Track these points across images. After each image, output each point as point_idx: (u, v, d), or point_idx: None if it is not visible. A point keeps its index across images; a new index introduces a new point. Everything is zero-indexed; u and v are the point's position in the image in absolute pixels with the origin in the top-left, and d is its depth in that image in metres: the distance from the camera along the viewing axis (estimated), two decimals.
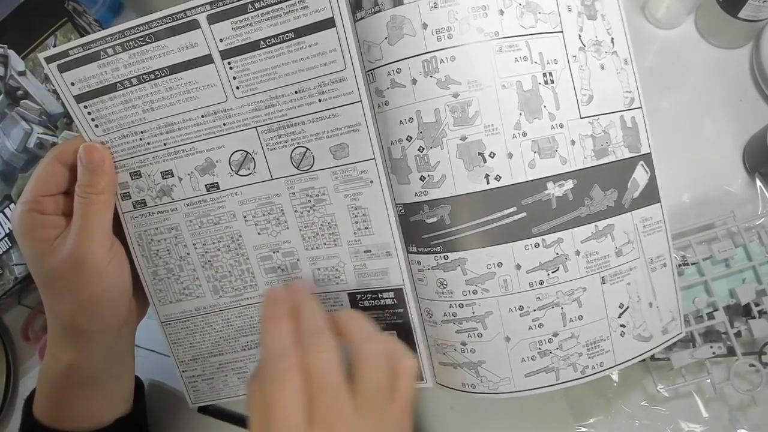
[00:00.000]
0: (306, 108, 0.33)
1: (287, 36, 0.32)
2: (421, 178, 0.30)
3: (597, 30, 0.32)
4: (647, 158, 0.34)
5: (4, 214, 0.51)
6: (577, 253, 0.31)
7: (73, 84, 0.35)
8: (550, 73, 0.30)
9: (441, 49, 0.30)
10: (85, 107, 0.35)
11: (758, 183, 0.46)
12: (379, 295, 0.35)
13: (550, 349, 0.31)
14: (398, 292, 0.34)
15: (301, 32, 0.31)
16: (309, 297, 0.31)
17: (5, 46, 0.49)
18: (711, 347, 0.40)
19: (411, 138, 0.30)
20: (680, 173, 0.40)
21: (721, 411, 0.42)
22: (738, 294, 0.41)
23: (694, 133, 0.47)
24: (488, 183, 0.30)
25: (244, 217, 0.36)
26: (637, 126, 0.33)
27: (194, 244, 0.37)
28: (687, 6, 0.48)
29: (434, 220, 0.30)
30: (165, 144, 0.35)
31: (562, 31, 0.31)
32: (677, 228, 0.40)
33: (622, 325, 0.32)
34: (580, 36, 0.32)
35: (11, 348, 0.55)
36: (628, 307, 0.33)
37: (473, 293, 0.30)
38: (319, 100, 0.33)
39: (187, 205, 0.37)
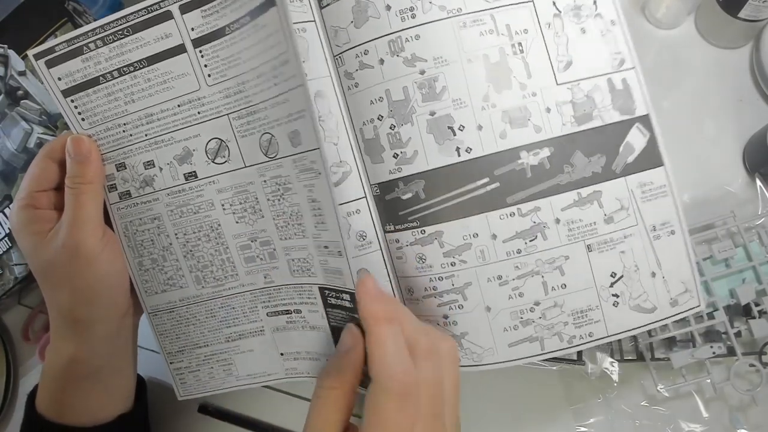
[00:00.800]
0: (266, 93, 0.36)
1: (245, 20, 0.35)
2: (394, 156, 0.32)
3: None
4: (644, 120, 0.36)
5: (4, 214, 0.55)
6: (557, 221, 0.32)
7: (59, 79, 0.39)
8: (520, 44, 0.32)
9: (405, 29, 0.35)
10: (72, 101, 0.39)
11: (758, 183, 0.49)
12: (341, 296, 0.37)
13: (532, 318, 0.32)
14: (354, 297, 0.36)
15: (254, 14, 0.35)
16: (396, 300, 0.35)
17: (5, 46, 0.53)
18: (711, 347, 0.43)
19: (382, 117, 0.32)
20: (680, 173, 0.41)
21: (721, 411, 0.45)
22: (738, 294, 0.44)
23: (694, 133, 0.51)
24: (459, 155, 0.32)
25: (222, 205, 0.40)
26: (629, 87, 0.36)
27: (176, 234, 0.41)
28: (687, 6, 0.52)
29: (409, 195, 0.33)
30: (146, 135, 0.39)
31: (531, 0, 0.35)
32: None
33: (615, 295, 0.32)
34: (554, 2, 0.35)
35: (11, 348, 0.58)
36: (622, 276, 0.32)
37: (451, 265, 0.32)
38: (275, 84, 0.35)
39: (168, 194, 0.40)
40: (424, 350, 0.31)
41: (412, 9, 0.34)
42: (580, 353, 0.45)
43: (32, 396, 0.42)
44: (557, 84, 0.35)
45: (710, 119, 0.51)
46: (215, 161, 0.38)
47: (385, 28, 0.34)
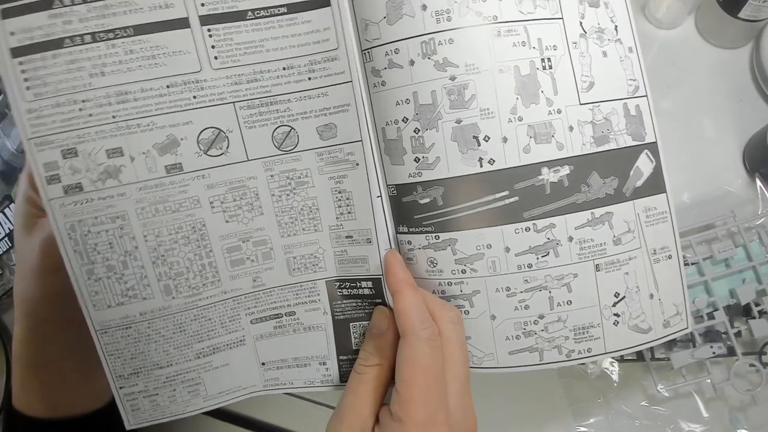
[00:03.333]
0: (294, 86, 0.34)
1: (279, 10, 0.33)
2: (415, 160, 0.32)
3: (599, 17, 0.36)
4: (652, 147, 0.38)
5: (4, 214, 0.53)
6: (570, 239, 0.32)
7: (12, 34, 0.32)
8: (549, 59, 0.32)
9: (440, 31, 0.34)
10: (20, 63, 0.32)
11: (758, 183, 0.49)
12: (358, 284, 0.37)
13: (535, 330, 0.33)
14: (376, 283, 0.37)
15: (294, 8, 0.33)
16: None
17: None
18: (711, 347, 0.43)
19: (407, 119, 0.31)
20: (680, 173, 0.42)
21: (721, 411, 0.45)
22: (738, 294, 0.44)
23: (694, 133, 0.51)
24: (481, 166, 0.32)
25: (211, 203, 0.35)
26: (642, 114, 0.37)
27: (145, 236, 0.35)
28: (687, 6, 0.52)
29: (427, 201, 0.32)
30: (114, 117, 0.33)
31: (562, 18, 0.35)
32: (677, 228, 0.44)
33: (617, 314, 0.33)
34: (581, 23, 0.35)
35: (11, 348, 0.55)
36: (624, 297, 0.33)
37: (462, 272, 0.32)
38: (309, 78, 0.34)
39: (140, 189, 0.34)
40: (452, 317, 0.34)
41: (448, 11, 0.33)
42: None
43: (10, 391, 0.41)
44: (580, 103, 0.35)
45: (710, 119, 0.51)
46: (209, 153, 0.34)
47: (419, 29, 0.33)
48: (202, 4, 0.32)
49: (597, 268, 0.35)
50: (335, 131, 0.35)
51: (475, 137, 0.34)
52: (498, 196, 0.34)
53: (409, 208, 0.36)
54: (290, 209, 0.36)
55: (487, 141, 0.34)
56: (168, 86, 0.33)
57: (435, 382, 0.32)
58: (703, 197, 0.49)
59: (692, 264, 0.45)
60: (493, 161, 0.34)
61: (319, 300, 0.38)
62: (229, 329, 0.38)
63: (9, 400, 0.41)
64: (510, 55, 0.34)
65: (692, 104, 0.51)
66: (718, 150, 0.50)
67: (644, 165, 0.37)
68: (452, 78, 0.33)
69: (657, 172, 0.37)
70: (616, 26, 0.36)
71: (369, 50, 0.35)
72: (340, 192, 0.36)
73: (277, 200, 0.36)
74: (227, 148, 0.34)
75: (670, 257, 0.37)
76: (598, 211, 0.35)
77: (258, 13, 0.33)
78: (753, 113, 0.50)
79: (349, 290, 0.37)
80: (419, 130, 0.34)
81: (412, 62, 0.34)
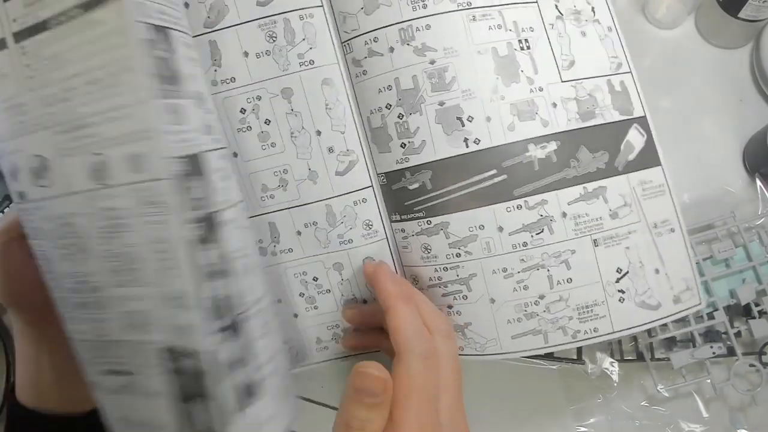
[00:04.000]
0: (99, 104, 0.28)
1: (75, 12, 0.28)
2: (401, 145, 0.32)
3: (575, 0, 0.36)
4: (642, 121, 0.37)
5: (3, 214, 0.53)
6: (564, 215, 0.31)
7: None
8: (526, 40, 0.33)
9: (416, 18, 0.35)
10: None
11: (758, 183, 0.49)
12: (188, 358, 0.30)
13: (536, 312, 0.32)
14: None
15: (87, 6, 0.27)
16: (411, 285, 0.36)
17: None
18: (711, 347, 0.43)
19: (390, 106, 0.31)
20: (680, 173, 0.42)
21: (721, 411, 0.45)
22: (738, 294, 0.44)
23: (694, 133, 0.51)
24: (467, 146, 0.31)
25: (50, 238, 0.31)
26: (627, 90, 0.37)
27: None
28: (687, 6, 0.53)
29: (416, 186, 0.32)
30: None
31: (536, 2, 0.36)
32: None
33: (621, 291, 0.32)
34: (557, 6, 0.36)
35: (11, 348, 0.55)
36: (627, 272, 0.32)
37: (456, 256, 0.32)
38: (116, 94, 0.28)
39: None
40: (444, 331, 0.33)
41: None
42: (580, 352, 0.45)
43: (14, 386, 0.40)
44: (562, 81, 0.35)
45: (710, 119, 0.51)
46: (39, 184, 0.30)
47: (396, 17, 0.34)
48: (14, 20, 0.29)
49: (595, 243, 0.35)
50: (143, 164, 0.27)
51: (458, 118, 0.34)
52: (486, 175, 0.34)
53: (400, 195, 0.35)
54: (116, 255, 0.29)
55: (470, 121, 0.34)
56: (3, 111, 0.30)
57: (429, 400, 0.31)
58: (703, 197, 0.48)
59: None
60: (479, 141, 0.34)
61: (154, 366, 0.30)
62: None
63: (8, 399, 0.41)
64: (486, 38, 0.34)
65: (692, 104, 0.51)
66: (718, 150, 0.50)
67: (635, 139, 0.37)
68: (432, 62, 0.34)
69: (649, 146, 0.36)
70: (593, 8, 0.36)
71: (349, 41, 0.35)
72: (159, 242, 0.28)
73: (102, 243, 0.29)
74: (52, 178, 0.29)
75: (672, 230, 0.36)
76: (591, 185, 0.35)
77: (58, 20, 0.28)
78: (753, 113, 0.50)
79: (182, 362, 0.29)
80: (403, 116, 0.34)
81: (391, 49, 0.34)
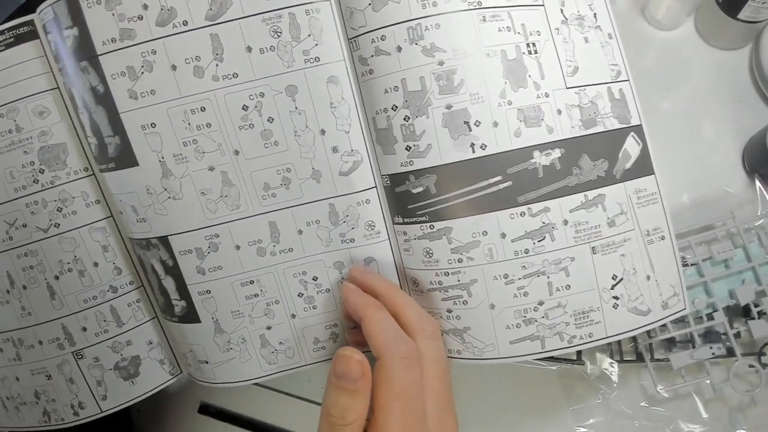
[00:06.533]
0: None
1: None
2: (407, 148, 0.31)
3: (578, 5, 0.36)
4: (638, 129, 0.37)
5: None
6: (565, 222, 0.31)
7: None
8: (534, 44, 0.32)
9: (426, 17, 0.33)
10: None
11: (758, 184, 0.49)
12: None
13: (535, 318, 0.32)
14: None
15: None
16: (386, 280, 0.36)
17: None
18: (710, 348, 0.43)
19: (396, 107, 0.31)
20: (680, 174, 0.42)
21: (720, 412, 0.45)
22: (737, 295, 0.44)
23: (694, 133, 0.51)
24: (473, 152, 0.31)
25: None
26: (626, 98, 0.37)
27: None
28: (687, 7, 0.52)
29: (420, 189, 0.31)
30: None
31: (543, 5, 0.35)
32: (677, 229, 0.45)
33: (615, 297, 0.33)
34: (562, 10, 0.35)
35: None
36: (622, 279, 0.34)
37: (458, 261, 0.31)
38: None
39: None
40: (428, 331, 0.33)
41: None
42: (580, 353, 0.45)
43: None
44: (567, 87, 0.34)
45: (710, 120, 0.51)
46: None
47: (405, 14, 0.33)
48: None
49: (593, 250, 0.35)
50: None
51: (465, 122, 0.33)
52: (492, 181, 0.34)
53: (403, 198, 0.35)
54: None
55: (478, 126, 0.33)
56: None
57: (412, 403, 0.31)
58: (702, 198, 0.48)
59: (692, 265, 0.45)
60: (485, 146, 0.33)
61: None
62: None
63: None
64: (496, 40, 0.33)
65: (692, 105, 0.51)
66: (717, 151, 0.50)
67: (632, 147, 0.37)
68: (440, 63, 0.33)
69: (644, 154, 0.37)
70: (594, 13, 0.36)
71: (355, 38, 0.34)
72: None
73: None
74: None
75: (663, 238, 0.37)
76: (591, 194, 0.35)
77: None
78: (752, 114, 0.50)
79: None
80: (409, 118, 0.33)
81: (399, 48, 0.33)
